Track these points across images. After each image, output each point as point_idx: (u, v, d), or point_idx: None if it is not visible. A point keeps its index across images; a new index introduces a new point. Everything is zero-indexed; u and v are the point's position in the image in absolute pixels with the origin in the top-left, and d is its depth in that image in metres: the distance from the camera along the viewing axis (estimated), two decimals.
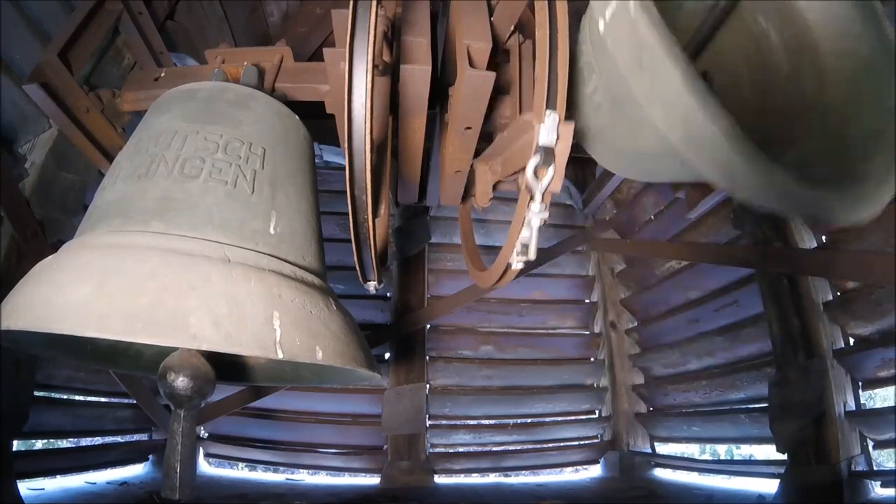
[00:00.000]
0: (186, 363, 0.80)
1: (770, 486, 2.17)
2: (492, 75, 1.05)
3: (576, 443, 3.45)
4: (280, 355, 0.75)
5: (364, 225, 0.91)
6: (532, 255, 0.87)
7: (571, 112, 0.93)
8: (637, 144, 0.94)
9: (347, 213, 0.91)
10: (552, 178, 0.81)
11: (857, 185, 0.87)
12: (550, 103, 0.80)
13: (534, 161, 0.81)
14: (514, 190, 1.09)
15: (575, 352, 3.62)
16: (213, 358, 0.83)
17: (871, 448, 1.91)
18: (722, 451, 5.13)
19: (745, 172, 0.73)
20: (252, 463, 3.33)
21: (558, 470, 3.40)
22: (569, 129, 0.80)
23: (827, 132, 0.97)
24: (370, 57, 0.80)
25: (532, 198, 0.83)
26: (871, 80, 0.96)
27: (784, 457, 1.97)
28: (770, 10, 1.07)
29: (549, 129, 0.79)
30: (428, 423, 3.21)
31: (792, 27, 1.05)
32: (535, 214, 0.84)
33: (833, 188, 0.85)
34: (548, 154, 0.80)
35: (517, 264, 0.93)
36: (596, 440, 3.45)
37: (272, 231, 0.91)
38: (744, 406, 2.55)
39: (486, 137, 1.33)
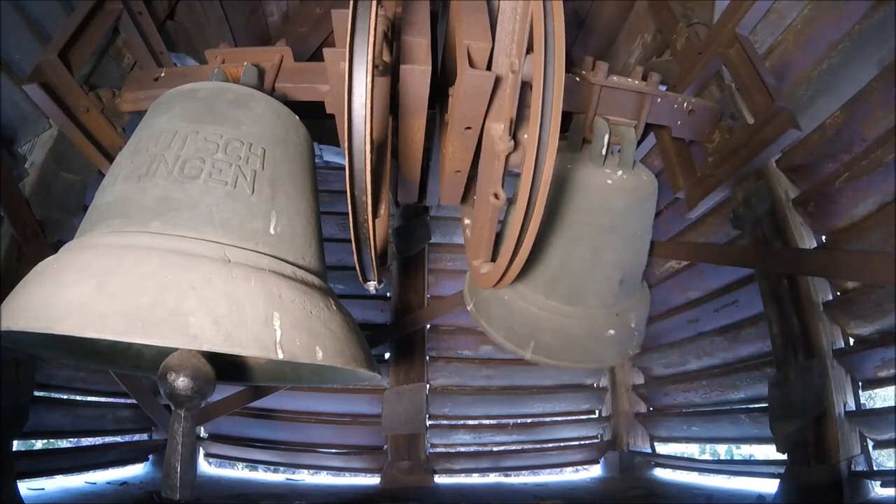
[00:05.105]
0: (187, 363, 0.81)
1: (770, 486, 2.17)
2: (492, 75, 1.05)
3: (576, 443, 3.45)
4: (280, 356, 0.75)
5: (364, 225, 0.91)
6: None
7: None
8: None
9: (347, 213, 0.91)
10: None
11: None
12: None
13: None
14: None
15: None
16: (214, 358, 0.83)
17: (871, 448, 1.90)
18: (722, 451, 5.13)
19: None
20: (252, 463, 3.33)
21: (558, 470, 3.40)
22: None
23: None
24: (370, 57, 0.80)
25: None
26: None
27: (784, 457, 1.97)
28: None
29: None
30: (428, 423, 3.21)
31: None
32: None
33: None
34: None
35: None
36: (596, 440, 3.44)
37: (272, 231, 0.91)
38: (744, 406, 2.55)
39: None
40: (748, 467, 2.83)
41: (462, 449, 3.36)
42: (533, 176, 0.91)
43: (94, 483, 2.43)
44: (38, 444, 2.89)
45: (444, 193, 1.50)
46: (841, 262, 1.70)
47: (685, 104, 1.74)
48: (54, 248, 1.00)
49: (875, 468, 1.90)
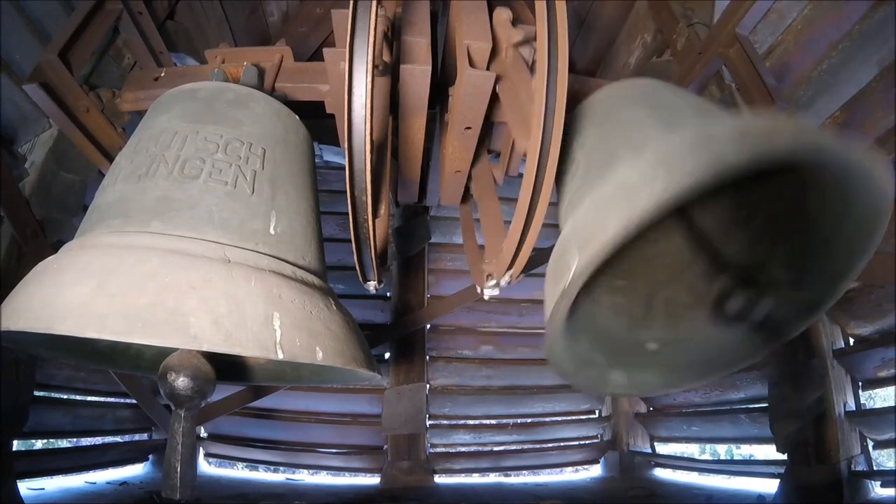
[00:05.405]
0: (187, 363, 0.80)
1: (770, 486, 2.17)
2: (492, 75, 1.05)
3: (576, 443, 3.45)
4: (280, 356, 0.75)
5: (364, 225, 0.91)
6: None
7: None
8: None
9: (347, 213, 0.91)
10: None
11: None
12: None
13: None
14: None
15: None
16: (214, 358, 0.83)
17: (871, 448, 1.91)
18: (722, 451, 5.13)
19: None
20: (252, 463, 3.33)
21: (558, 470, 3.40)
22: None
23: None
24: (370, 57, 0.80)
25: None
26: None
27: (784, 457, 1.97)
28: None
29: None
30: (428, 423, 3.21)
31: None
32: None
33: None
34: None
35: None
36: (596, 440, 3.45)
37: (272, 231, 0.91)
38: (744, 406, 2.56)
39: (485, 139, 1.33)
40: (748, 467, 2.84)
41: (462, 449, 3.36)
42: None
43: (94, 483, 2.43)
44: (38, 444, 2.89)
45: (444, 193, 1.50)
46: None
47: None
48: (54, 248, 1.00)
49: (875, 468, 1.90)
